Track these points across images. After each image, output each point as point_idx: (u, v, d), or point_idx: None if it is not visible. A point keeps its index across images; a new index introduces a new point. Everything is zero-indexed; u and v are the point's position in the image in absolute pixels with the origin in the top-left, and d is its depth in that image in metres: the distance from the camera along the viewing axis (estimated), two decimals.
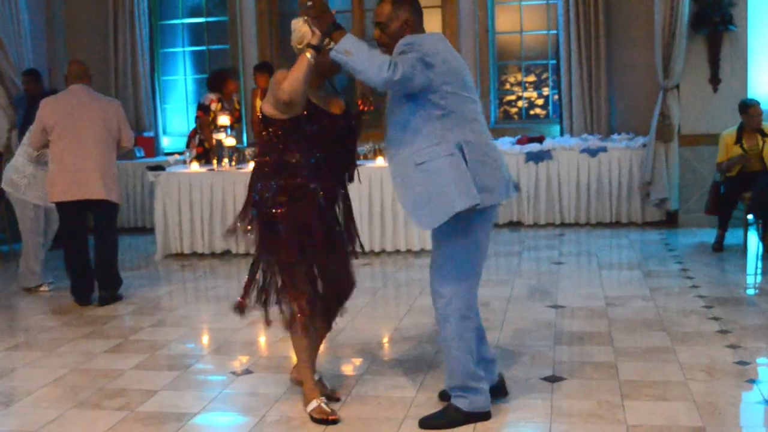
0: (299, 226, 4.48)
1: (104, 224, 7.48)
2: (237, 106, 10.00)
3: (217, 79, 10.01)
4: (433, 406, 4.61)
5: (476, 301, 4.46)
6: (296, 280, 4.49)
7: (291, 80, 4.27)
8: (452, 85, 4.19)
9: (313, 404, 4.61)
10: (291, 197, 4.48)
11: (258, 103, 10.36)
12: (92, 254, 7.51)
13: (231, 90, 9.94)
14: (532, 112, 11.90)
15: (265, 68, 10.30)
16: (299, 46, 4.40)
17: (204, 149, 9.83)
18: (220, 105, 9.82)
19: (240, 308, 4.74)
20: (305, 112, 4.43)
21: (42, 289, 7.95)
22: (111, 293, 7.50)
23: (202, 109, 9.89)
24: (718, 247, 8.70)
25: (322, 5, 4.18)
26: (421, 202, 4.18)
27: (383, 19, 4.30)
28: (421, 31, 4.34)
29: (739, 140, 8.74)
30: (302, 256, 4.49)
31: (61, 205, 7.32)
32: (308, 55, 4.25)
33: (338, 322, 4.99)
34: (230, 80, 9.96)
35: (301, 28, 4.41)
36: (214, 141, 9.71)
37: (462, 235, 4.27)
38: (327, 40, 4.20)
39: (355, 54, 4.00)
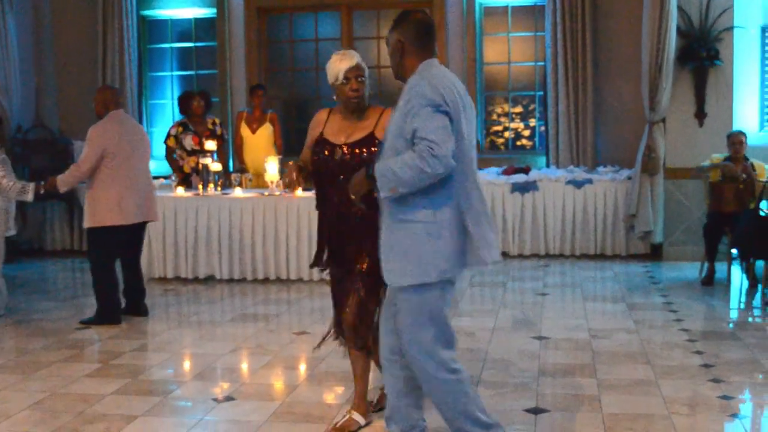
0: (320, 244, 4.80)
1: (141, 244, 7.95)
2: (210, 127, 9.93)
3: (181, 101, 9.99)
4: None
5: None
6: (334, 299, 4.82)
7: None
8: (458, 131, 3.86)
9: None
10: (321, 216, 4.78)
11: (243, 126, 10.35)
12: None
13: (196, 111, 9.86)
14: (518, 143, 11.94)
15: (260, 88, 10.38)
16: (336, 83, 4.61)
17: (184, 175, 9.81)
18: (181, 128, 9.81)
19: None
20: (317, 140, 4.74)
21: None
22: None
23: (167, 138, 9.92)
24: (708, 280, 8.71)
25: (357, 193, 4.05)
26: (393, 256, 3.96)
27: (388, 47, 4.15)
28: (419, 55, 4.02)
29: None
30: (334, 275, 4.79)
31: (112, 229, 7.39)
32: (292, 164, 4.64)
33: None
34: (194, 101, 9.85)
35: (330, 64, 4.62)
36: (185, 164, 9.79)
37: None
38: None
39: (398, 185, 3.78)
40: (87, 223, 7.46)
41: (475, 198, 3.96)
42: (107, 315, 7.52)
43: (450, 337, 4.05)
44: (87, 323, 7.51)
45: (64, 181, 7.55)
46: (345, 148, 4.62)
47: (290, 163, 4.75)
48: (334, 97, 4.69)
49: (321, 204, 4.76)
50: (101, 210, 7.36)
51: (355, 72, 4.58)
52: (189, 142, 9.71)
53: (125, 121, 7.62)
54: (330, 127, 4.72)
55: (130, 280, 7.78)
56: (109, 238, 7.45)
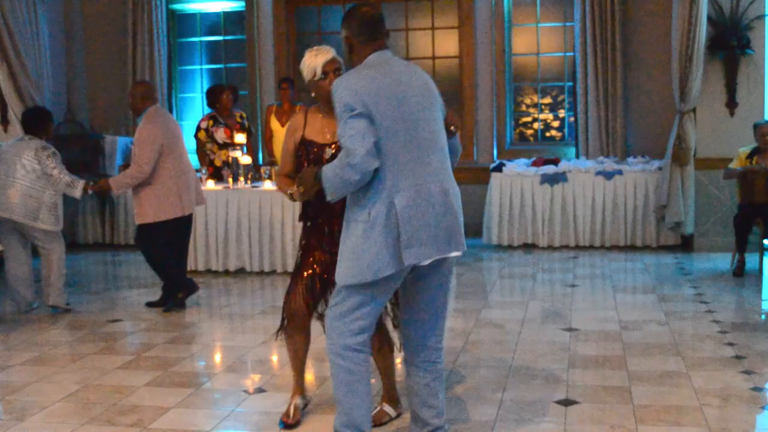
0: (301, 239, 4.81)
1: (190, 233, 8.04)
2: (238, 120, 9.95)
3: (210, 94, 9.95)
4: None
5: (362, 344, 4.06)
6: (291, 289, 4.78)
7: (278, 188, 4.82)
8: (384, 128, 3.80)
9: (288, 402, 4.93)
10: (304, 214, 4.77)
11: (273, 119, 10.40)
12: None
13: (225, 105, 9.87)
14: (547, 134, 11.90)
15: (286, 81, 10.43)
16: (314, 79, 4.56)
17: (215, 169, 9.82)
18: (212, 122, 9.80)
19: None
20: (302, 143, 4.65)
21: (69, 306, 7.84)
22: None
23: (197, 132, 9.90)
24: (739, 271, 8.66)
25: (308, 189, 4.08)
26: (344, 255, 3.96)
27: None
28: (365, 50, 4.01)
29: (750, 157, 8.75)
30: (302, 267, 4.74)
31: (170, 221, 7.57)
32: (287, 195, 4.54)
33: None
34: (224, 95, 9.85)
35: (305, 61, 4.58)
36: (216, 158, 9.79)
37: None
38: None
39: (332, 189, 3.85)
40: (147, 219, 7.54)
41: (412, 195, 3.83)
42: (188, 287, 7.81)
43: (361, 327, 3.98)
44: (172, 307, 7.76)
45: (120, 184, 7.59)
46: (334, 147, 4.53)
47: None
48: (312, 95, 4.64)
49: (306, 211, 4.72)
50: (163, 204, 7.49)
51: (332, 65, 4.52)
52: (221, 135, 9.71)
53: (166, 115, 7.78)
54: (311, 127, 4.63)
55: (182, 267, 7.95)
56: (166, 229, 7.60)
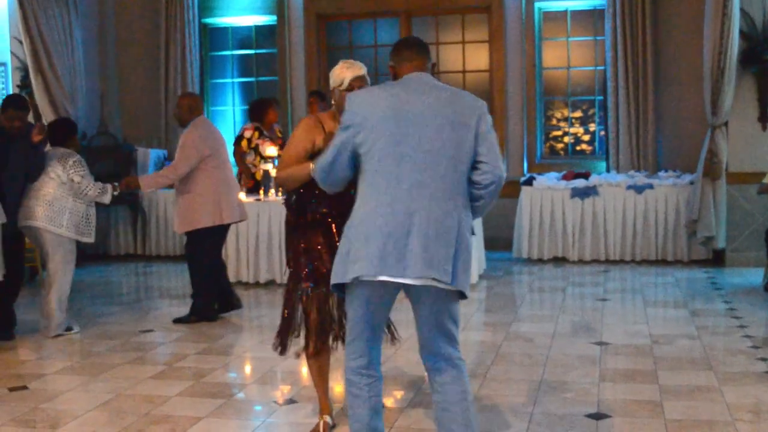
0: (310, 252, 4.72)
1: (223, 244, 8.11)
2: (279, 135, 10.01)
3: (257, 107, 10.00)
4: None
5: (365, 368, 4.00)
6: (312, 308, 4.79)
7: (286, 177, 4.64)
8: (370, 143, 3.79)
9: (317, 420, 4.90)
10: (306, 222, 4.73)
11: None
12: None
13: (271, 119, 9.93)
14: (578, 148, 11.89)
15: (318, 95, 10.38)
16: (339, 88, 4.62)
17: (255, 182, 9.84)
18: (257, 133, 9.82)
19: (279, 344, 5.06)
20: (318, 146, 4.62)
21: (74, 332, 7.51)
22: None
23: (239, 140, 9.93)
24: None
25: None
26: None
27: None
28: (402, 72, 4.02)
29: None
30: (316, 283, 4.72)
31: (219, 228, 7.66)
32: (312, 167, 4.38)
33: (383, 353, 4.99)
34: (271, 109, 9.94)
35: (336, 70, 4.64)
36: (258, 171, 9.80)
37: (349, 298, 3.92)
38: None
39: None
40: (186, 227, 7.62)
41: (373, 209, 3.75)
42: (206, 312, 7.79)
43: (356, 349, 3.96)
44: (182, 321, 7.76)
45: (150, 182, 7.74)
46: None
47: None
48: (332, 102, 4.69)
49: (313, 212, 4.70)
50: (201, 212, 7.55)
51: (359, 82, 4.59)
52: (272, 150, 9.63)
53: (211, 125, 7.88)
54: (331, 135, 4.54)
55: (219, 280, 8.00)
56: (208, 238, 7.65)
